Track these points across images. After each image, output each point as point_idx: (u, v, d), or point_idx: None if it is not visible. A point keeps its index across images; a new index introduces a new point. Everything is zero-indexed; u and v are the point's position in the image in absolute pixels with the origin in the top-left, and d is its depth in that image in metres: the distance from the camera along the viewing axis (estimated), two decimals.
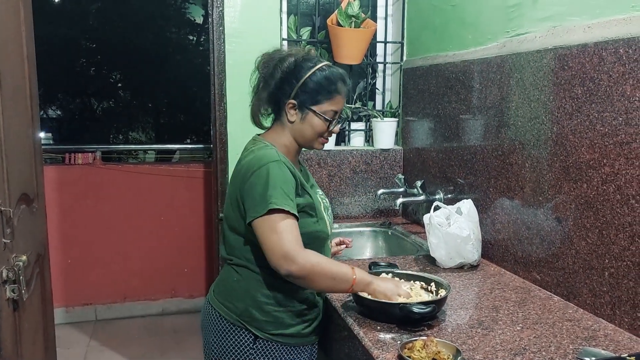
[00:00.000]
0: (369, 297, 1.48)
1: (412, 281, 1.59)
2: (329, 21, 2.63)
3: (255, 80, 1.59)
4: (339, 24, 2.61)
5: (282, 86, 1.53)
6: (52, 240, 3.70)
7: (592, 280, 1.52)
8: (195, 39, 12.97)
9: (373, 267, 1.76)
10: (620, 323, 1.43)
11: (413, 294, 1.51)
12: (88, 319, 3.88)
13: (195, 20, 12.80)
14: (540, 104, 1.70)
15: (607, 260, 1.46)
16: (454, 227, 1.88)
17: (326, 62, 1.57)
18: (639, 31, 1.34)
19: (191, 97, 11.77)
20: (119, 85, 13.24)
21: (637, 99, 1.35)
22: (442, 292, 1.52)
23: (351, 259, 2.54)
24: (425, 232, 2.43)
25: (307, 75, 1.51)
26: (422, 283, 1.59)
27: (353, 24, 2.59)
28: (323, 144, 1.61)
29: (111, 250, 3.86)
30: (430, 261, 1.99)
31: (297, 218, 1.43)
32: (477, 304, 1.61)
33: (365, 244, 2.60)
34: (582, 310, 1.55)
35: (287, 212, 1.39)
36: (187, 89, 11.97)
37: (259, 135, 1.61)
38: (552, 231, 1.67)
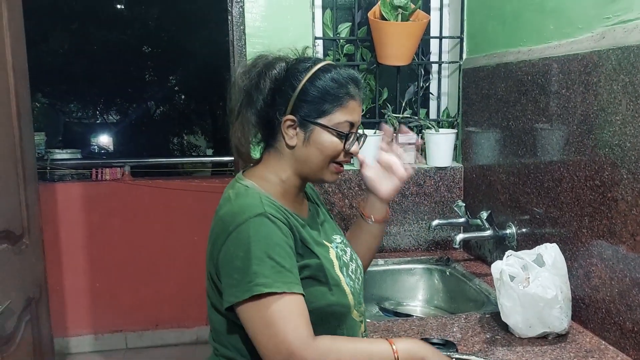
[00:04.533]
0: None
1: None
2: (370, 14, 2.17)
3: (236, 98, 1.14)
4: (382, 18, 2.15)
5: (273, 100, 1.11)
6: (78, 263, 3.47)
7: None
8: None
9: None
10: None
11: None
12: (118, 347, 3.60)
13: None
14: None
15: None
16: (534, 286, 1.38)
17: (328, 61, 1.14)
18: None
19: None
20: (176, 89, 13.23)
21: None
22: None
23: (400, 304, 2.08)
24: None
25: (306, 79, 1.09)
26: None
27: (400, 16, 2.12)
28: (338, 173, 1.16)
29: (142, 273, 3.57)
30: (501, 326, 1.51)
31: (301, 293, 1.01)
32: None
33: (417, 285, 2.13)
34: None
35: (282, 293, 0.97)
36: None
37: (244, 172, 1.18)
38: None
